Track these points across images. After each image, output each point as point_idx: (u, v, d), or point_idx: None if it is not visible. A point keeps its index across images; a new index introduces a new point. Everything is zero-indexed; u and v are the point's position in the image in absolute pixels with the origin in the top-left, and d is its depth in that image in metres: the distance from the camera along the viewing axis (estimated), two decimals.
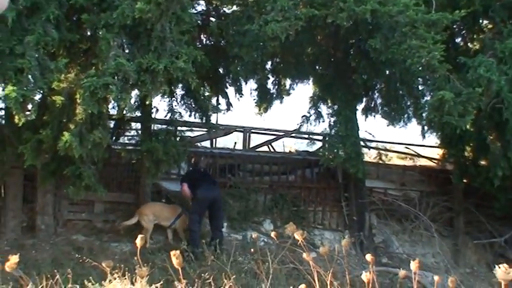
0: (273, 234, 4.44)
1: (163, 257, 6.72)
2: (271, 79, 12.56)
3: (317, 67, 12.00)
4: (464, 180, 11.33)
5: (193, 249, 7.98)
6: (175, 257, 3.19)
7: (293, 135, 12.77)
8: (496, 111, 8.64)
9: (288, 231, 3.85)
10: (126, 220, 9.42)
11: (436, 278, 4.04)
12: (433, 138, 12.34)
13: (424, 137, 12.30)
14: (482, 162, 10.79)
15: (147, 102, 8.10)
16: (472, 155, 10.96)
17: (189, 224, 9.18)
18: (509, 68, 8.34)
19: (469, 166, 10.80)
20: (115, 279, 4.50)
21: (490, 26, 10.07)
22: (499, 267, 2.82)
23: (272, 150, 13.11)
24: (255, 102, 12.83)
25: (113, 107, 8.26)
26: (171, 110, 9.51)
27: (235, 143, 12.78)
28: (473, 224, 11.97)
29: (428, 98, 10.20)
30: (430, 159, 13.68)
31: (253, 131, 12.65)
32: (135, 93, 7.81)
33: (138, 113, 9.86)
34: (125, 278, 4.52)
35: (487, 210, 11.73)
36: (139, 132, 10.52)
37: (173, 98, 9.60)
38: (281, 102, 13.09)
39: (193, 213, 9.21)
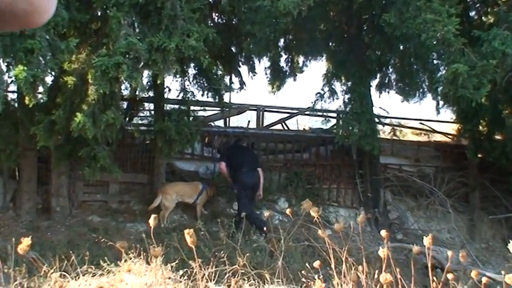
0: (288, 211, 4.41)
1: (179, 237, 6.74)
2: (284, 56, 12.48)
3: (330, 43, 11.89)
4: (479, 155, 11.24)
5: (260, 225, 8.30)
6: (189, 236, 3.17)
7: (307, 113, 12.67)
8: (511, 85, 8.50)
9: (304, 208, 3.82)
10: (142, 200, 9.50)
11: (449, 253, 4.01)
12: (448, 114, 12.27)
13: (438, 112, 12.23)
14: (498, 137, 10.71)
15: (159, 82, 8.08)
16: (487, 129, 10.89)
17: (242, 210, 8.66)
18: None
19: (484, 141, 10.74)
20: (130, 259, 4.52)
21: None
22: None
23: (286, 128, 13.04)
24: (268, 81, 12.77)
25: (125, 88, 8.26)
26: (183, 89, 9.48)
27: (249, 121, 12.72)
28: (488, 199, 11.90)
29: (443, 72, 10.07)
30: (445, 134, 13.55)
31: (266, 109, 12.57)
32: (146, 72, 7.78)
33: (150, 93, 9.87)
34: (140, 258, 4.54)
35: (502, 185, 11.65)
36: (152, 112, 10.52)
37: (185, 78, 9.56)
38: (294, 79, 13.02)
39: (241, 198, 9.18)
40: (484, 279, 3.57)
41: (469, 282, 4.80)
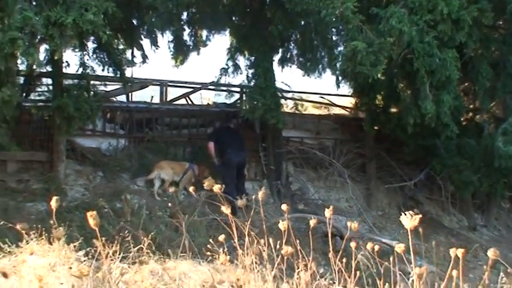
0: (191, 189, 4.46)
1: (82, 215, 6.62)
2: (187, 30, 12.39)
3: (233, 18, 11.88)
4: (376, 128, 11.81)
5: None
6: (92, 218, 3.14)
7: (211, 87, 12.68)
8: (407, 61, 8.93)
9: (206, 186, 3.88)
10: (41, 179, 9.20)
11: (348, 223, 4.24)
12: (346, 88, 12.69)
13: (338, 86, 12.59)
14: (393, 110, 11.25)
15: (57, 57, 7.77)
16: (383, 103, 11.40)
17: (225, 188, 8.89)
18: (420, 19, 8.59)
19: (380, 114, 11.25)
20: (32, 239, 4.40)
21: None
22: (405, 215, 2.99)
23: (190, 103, 12.99)
24: (172, 55, 12.64)
25: (22, 63, 7.87)
26: (82, 64, 9.10)
27: (152, 96, 12.54)
28: (384, 169, 12.58)
29: (342, 48, 10.43)
30: (344, 108, 14.08)
31: (170, 84, 12.45)
32: (44, 47, 7.46)
33: (48, 68, 9.45)
34: (42, 239, 4.43)
35: (397, 156, 12.36)
36: (51, 87, 10.09)
37: (85, 52, 9.20)
38: (198, 54, 12.98)
39: (225, 178, 9.31)
40: (376, 247, 3.80)
41: (365, 250, 5.09)
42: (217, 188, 3.88)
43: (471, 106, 12.14)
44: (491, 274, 3.35)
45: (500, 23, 10.57)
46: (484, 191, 11.76)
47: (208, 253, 4.54)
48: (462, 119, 11.49)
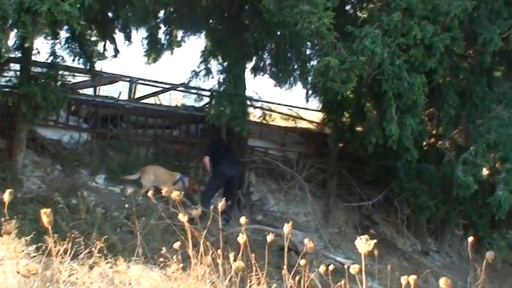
0: (150, 194, 4.40)
1: (36, 208, 6.46)
2: (163, 29, 12.31)
3: (210, 21, 11.87)
4: (340, 145, 11.87)
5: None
6: (45, 216, 3.06)
7: (181, 89, 12.59)
8: (376, 82, 9.03)
9: (165, 194, 3.83)
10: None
11: (306, 240, 4.25)
12: (315, 102, 12.76)
13: (307, 100, 12.73)
14: (358, 129, 11.35)
15: (27, 45, 7.59)
16: (350, 121, 11.46)
17: (203, 194, 9.76)
18: (393, 42, 8.71)
19: (346, 131, 11.31)
20: None
21: None
22: (361, 239, 3.01)
23: (158, 103, 12.87)
24: (145, 52, 12.53)
25: None
26: (53, 53, 8.93)
27: (120, 92, 12.38)
28: (344, 186, 12.65)
29: (315, 63, 10.49)
30: (311, 122, 14.15)
31: (140, 81, 12.31)
32: (14, 33, 7.27)
33: (18, 54, 9.21)
34: None
35: (358, 174, 12.45)
36: (18, 74, 9.83)
37: (56, 41, 9.02)
38: (172, 53, 12.94)
39: (210, 189, 9.77)
40: (330, 267, 3.81)
41: (320, 267, 5.10)
42: (175, 194, 3.82)
43: (434, 132, 12.34)
44: None
45: (471, 52, 10.78)
46: (440, 217, 11.97)
47: (162, 259, 4.48)
48: (424, 144, 11.67)
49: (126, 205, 6.44)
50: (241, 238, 3.88)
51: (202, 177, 11.28)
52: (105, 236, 4.83)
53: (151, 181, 9.44)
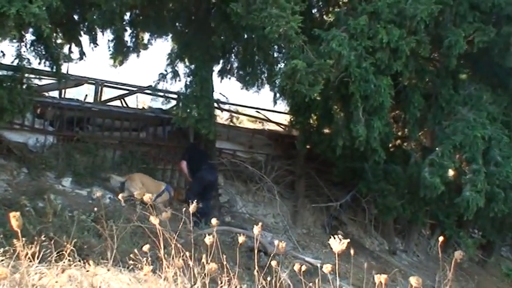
0: (120, 196, 4.37)
1: (2, 212, 6.35)
2: (129, 31, 12.18)
3: (177, 24, 11.82)
4: (308, 147, 11.98)
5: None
6: (14, 219, 3.01)
7: (147, 91, 12.50)
8: (343, 85, 9.13)
9: (138, 195, 3.82)
10: None
11: (276, 241, 4.29)
12: (282, 105, 12.83)
13: (275, 103, 12.79)
14: (326, 131, 11.46)
15: None
16: (317, 123, 11.56)
17: (186, 197, 9.67)
18: (360, 45, 8.82)
19: (313, 133, 11.42)
20: None
21: (345, 1, 10.58)
22: (334, 238, 3.05)
23: (125, 105, 12.75)
24: (110, 54, 12.40)
25: None
26: (19, 55, 8.78)
27: (86, 95, 12.21)
28: (312, 187, 12.77)
29: (282, 66, 10.55)
30: (278, 124, 14.23)
31: (106, 84, 12.17)
32: None
33: None
34: None
35: (326, 176, 12.58)
36: None
37: (22, 43, 8.88)
38: (138, 56, 12.82)
39: (192, 193, 9.48)
40: (302, 267, 3.84)
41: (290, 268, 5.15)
42: (147, 197, 3.81)
43: (400, 133, 12.53)
44: None
45: (436, 55, 10.98)
46: (406, 217, 12.17)
47: (131, 262, 4.45)
48: (390, 146, 11.85)
49: (95, 208, 6.37)
50: (209, 240, 3.90)
51: (171, 180, 11.26)
52: (74, 239, 4.77)
53: (138, 188, 9.15)
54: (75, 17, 10.52)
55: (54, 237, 4.68)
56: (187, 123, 10.17)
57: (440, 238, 4.18)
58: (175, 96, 12.02)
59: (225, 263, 4.11)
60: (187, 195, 9.78)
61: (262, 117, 14.42)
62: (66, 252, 4.27)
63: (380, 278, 3.17)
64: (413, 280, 3.10)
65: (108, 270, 4.28)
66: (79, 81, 11.67)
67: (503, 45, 9.45)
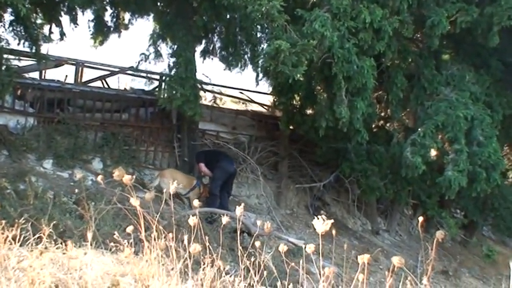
0: (99, 178, 4.31)
1: None
2: (110, 11, 12.05)
3: (158, 3, 11.67)
4: (291, 127, 11.97)
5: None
6: None
7: (129, 72, 12.34)
8: (326, 65, 9.09)
9: (117, 177, 3.76)
10: None
11: (258, 222, 4.28)
12: (266, 86, 12.77)
13: (258, 83, 12.72)
14: (309, 112, 11.45)
15: None
16: (300, 104, 11.53)
17: (210, 188, 9.94)
18: (343, 25, 8.76)
19: (296, 114, 11.38)
20: None
21: None
22: (318, 219, 3.04)
23: (106, 86, 12.59)
24: (91, 34, 12.25)
25: None
26: None
27: (66, 76, 12.03)
28: (296, 168, 12.78)
29: (265, 46, 10.47)
30: (261, 105, 14.18)
31: (86, 64, 11.99)
32: None
33: None
34: None
35: (309, 157, 12.61)
36: None
37: (0, 24, 8.71)
38: (119, 36, 12.72)
39: (217, 179, 9.90)
40: (285, 248, 3.84)
41: (273, 249, 5.15)
42: (127, 178, 3.76)
43: (382, 114, 12.57)
44: (392, 279, 3.46)
45: (419, 35, 10.98)
46: (389, 197, 12.27)
47: (113, 244, 4.42)
48: (373, 126, 11.88)
49: (76, 190, 6.30)
50: (192, 220, 3.88)
51: (153, 162, 11.22)
52: (55, 222, 4.73)
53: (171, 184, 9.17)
54: None
55: (35, 220, 4.61)
56: (174, 104, 10.10)
57: (421, 218, 4.18)
58: (157, 77, 11.90)
59: (207, 244, 4.09)
60: (210, 187, 9.95)
61: (245, 98, 14.34)
62: (46, 234, 4.22)
63: (363, 258, 3.17)
64: (395, 260, 3.11)
65: (86, 253, 4.23)
66: (59, 61, 11.46)
67: (486, 25, 9.43)
